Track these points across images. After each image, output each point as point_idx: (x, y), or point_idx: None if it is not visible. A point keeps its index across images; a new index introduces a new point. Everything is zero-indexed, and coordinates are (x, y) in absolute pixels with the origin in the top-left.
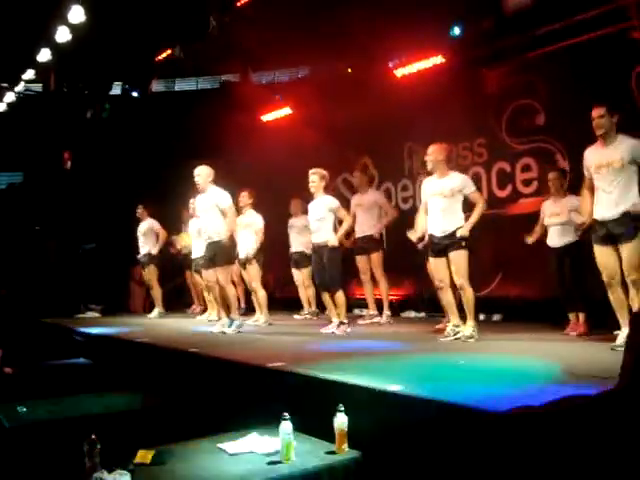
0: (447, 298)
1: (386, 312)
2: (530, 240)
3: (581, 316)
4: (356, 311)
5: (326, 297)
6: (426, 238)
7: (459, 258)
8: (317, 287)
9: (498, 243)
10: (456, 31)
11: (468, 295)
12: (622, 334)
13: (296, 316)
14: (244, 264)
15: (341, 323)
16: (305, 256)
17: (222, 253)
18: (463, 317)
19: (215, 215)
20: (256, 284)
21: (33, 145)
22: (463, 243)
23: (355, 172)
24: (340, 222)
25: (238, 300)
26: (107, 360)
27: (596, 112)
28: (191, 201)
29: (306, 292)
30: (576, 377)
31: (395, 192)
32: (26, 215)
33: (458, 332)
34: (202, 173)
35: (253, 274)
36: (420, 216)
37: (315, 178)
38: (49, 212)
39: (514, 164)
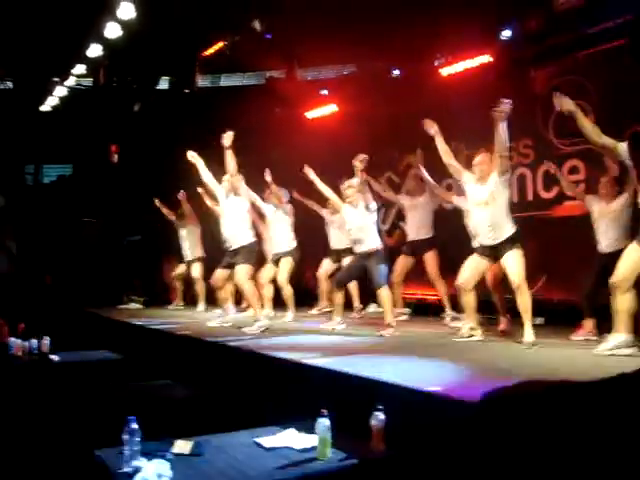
0: (468, 299)
1: (448, 312)
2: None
3: None
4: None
5: (337, 296)
6: None
7: (514, 259)
8: (333, 284)
9: (542, 245)
10: (507, 33)
11: (525, 297)
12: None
13: (312, 311)
14: (277, 260)
15: (388, 325)
16: (345, 250)
17: (243, 253)
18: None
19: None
20: (282, 280)
21: (82, 138)
22: (518, 244)
23: (411, 171)
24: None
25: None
26: (148, 351)
27: None
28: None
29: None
30: None
31: None
32: (75, 206)
33: (472, 335)
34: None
35: (283, 269)
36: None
37: (350, 192)
38: (96, 204)
39: (561, 166)
